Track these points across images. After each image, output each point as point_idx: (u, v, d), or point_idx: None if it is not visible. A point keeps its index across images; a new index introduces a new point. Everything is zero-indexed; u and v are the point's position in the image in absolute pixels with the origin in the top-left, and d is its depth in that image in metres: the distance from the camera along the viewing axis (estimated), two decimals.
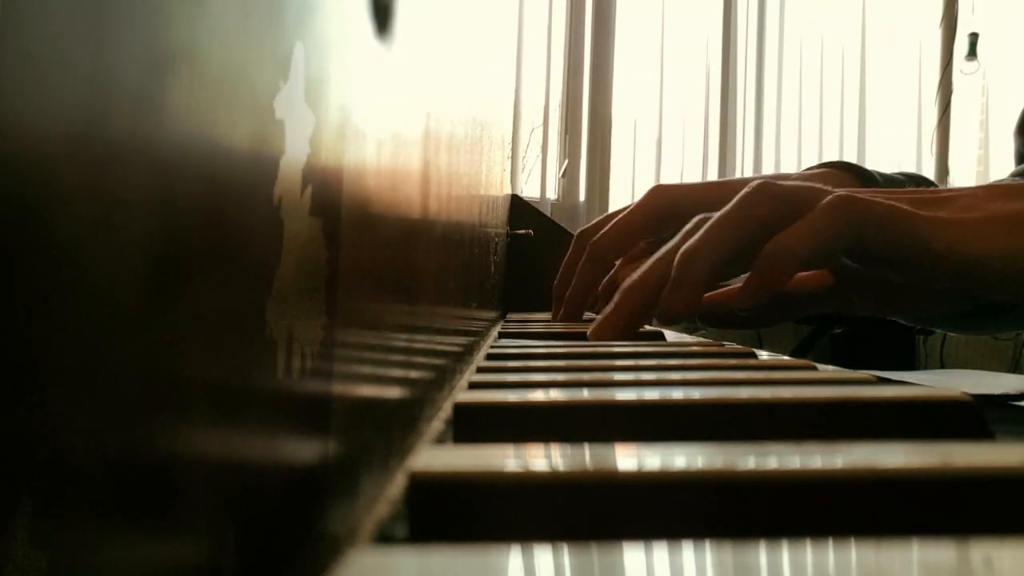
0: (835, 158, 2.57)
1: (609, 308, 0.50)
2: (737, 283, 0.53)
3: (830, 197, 0.46)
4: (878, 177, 0.60)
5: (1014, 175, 0.60)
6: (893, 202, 0.46)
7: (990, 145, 2.54)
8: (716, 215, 0.48)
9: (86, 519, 0.08)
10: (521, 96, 2.36)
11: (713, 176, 2.43)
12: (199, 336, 0.10)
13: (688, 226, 0.50)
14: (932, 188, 0.51)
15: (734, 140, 2.56)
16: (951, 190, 0.49)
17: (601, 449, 0.16)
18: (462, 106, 0.45)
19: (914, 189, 0.51)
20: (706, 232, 0.48)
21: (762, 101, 2.60)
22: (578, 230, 0.81)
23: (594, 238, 0.60)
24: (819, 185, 0.49)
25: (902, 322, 0.64)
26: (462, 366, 0.41)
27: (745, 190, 0.48)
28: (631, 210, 0.59)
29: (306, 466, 0.14)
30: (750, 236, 0.47)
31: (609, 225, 0.60)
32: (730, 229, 0.48)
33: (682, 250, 0.48)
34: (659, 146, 2.47)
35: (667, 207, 0.57)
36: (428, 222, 0.30)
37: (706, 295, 0.55)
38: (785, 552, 0.11)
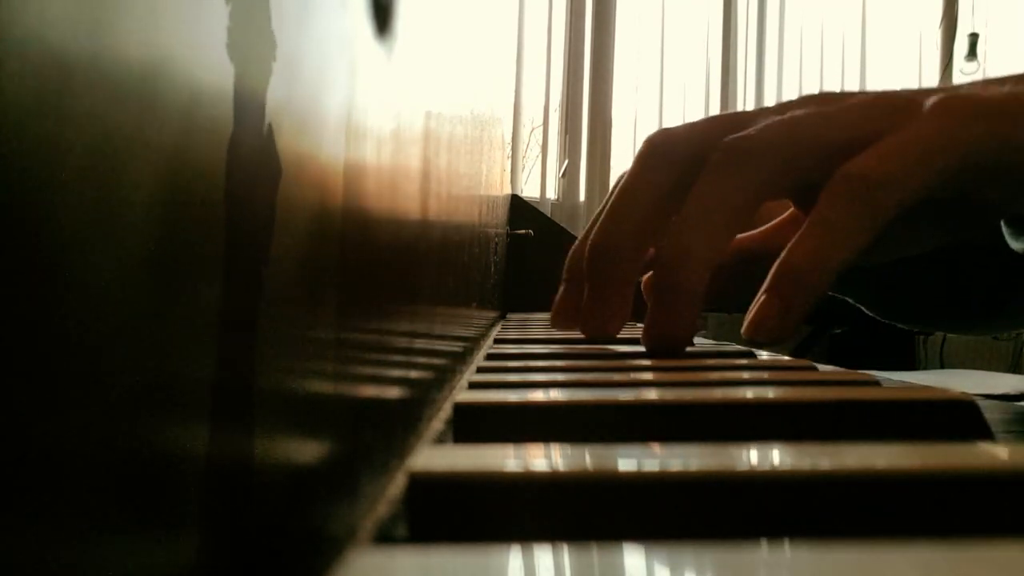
0: None
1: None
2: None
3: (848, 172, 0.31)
4: None
5: None
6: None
7: None
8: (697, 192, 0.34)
9: (85, 519, 0.08)
10: (521, 96, 2.36)
11: None
12: (199, 336, 0.10)
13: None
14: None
15: None
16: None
17: (601, 449, 0.16)
18: (462, 106, 0.45)
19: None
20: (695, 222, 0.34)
21: (762, 102, 2.60)
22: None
23: (591, 237, 0.40)
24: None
25: (902, 326, 0.56)
26: (462, 366, 0.41)
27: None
28: (627, 180, 0.39)
29: (306, 466, 0.14)
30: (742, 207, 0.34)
31: (606, 213, 0.39)
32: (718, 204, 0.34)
33: (593, 241, 0.36)
34: None
35: (677, 155, 0.37)
36: (428, 222, 0.30)
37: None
38: (785, 552, 0.11)
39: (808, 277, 0.32)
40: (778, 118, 0.35)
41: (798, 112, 0.35)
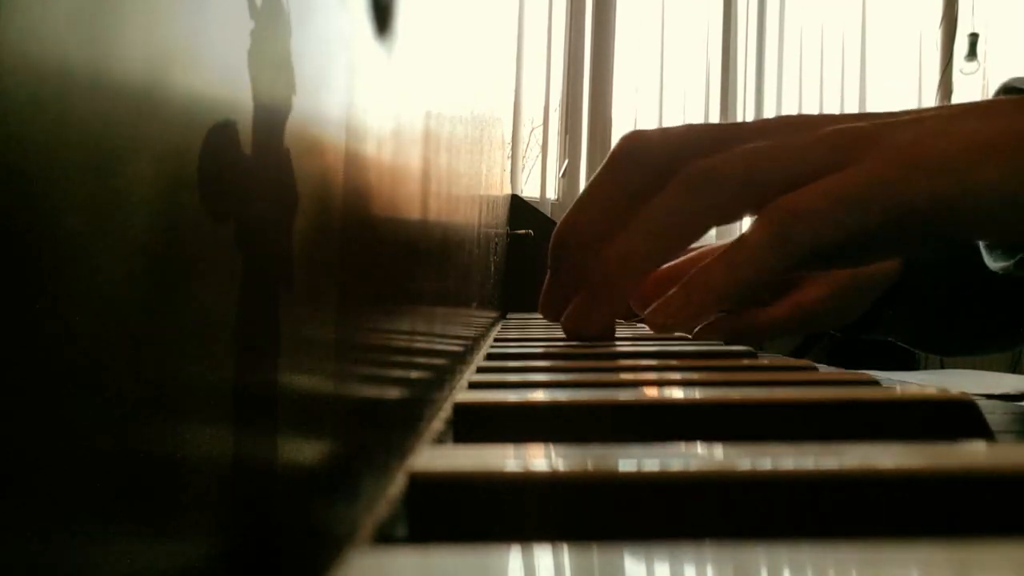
0: None
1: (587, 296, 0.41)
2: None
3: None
4: None
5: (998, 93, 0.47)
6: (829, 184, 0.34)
7: None
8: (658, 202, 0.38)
9: (86, 519, 0.08)
10: (521, 96, 2.36)
11: None
12: (200, 336, 0.10)
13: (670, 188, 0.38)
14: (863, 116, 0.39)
15: None
16: (890, 115, 0.37)
17: (601, 449, 0.16)
18: (462, 106, 0.45)
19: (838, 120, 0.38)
20: (646, 232, 0.38)
21: (762, 101, 2.60)
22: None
23: (558, 225, 0.44)
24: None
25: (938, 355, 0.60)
26: (462, 366, 0.41)
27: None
28: (597, 175, 0.43)
29: (306, 466, 0.14)
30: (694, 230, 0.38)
31: (573, 204, 0.44)
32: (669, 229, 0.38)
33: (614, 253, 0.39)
34: None
35: (647, 160, 0.41)
36: (428, 222, 0.30)
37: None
38: (785, 552, 0.11)
39: (716, 284, 0.36)
40: (741, 148, 0.38)
41: (761, 144, 0.38)
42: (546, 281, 0.45)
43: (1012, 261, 0.40)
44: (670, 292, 0.38)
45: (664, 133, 0.41)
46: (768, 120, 0.41)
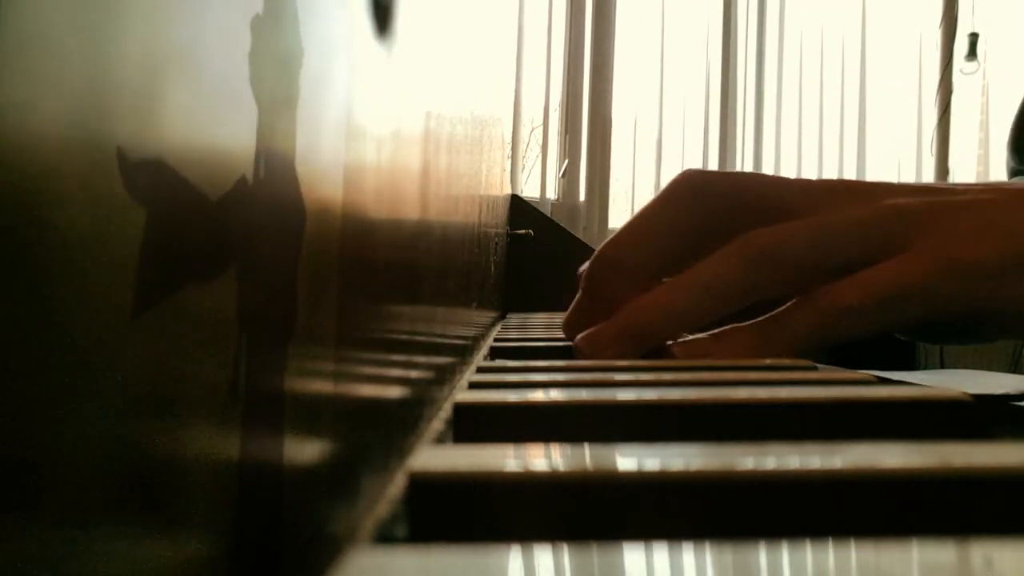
0: (835, 158, 2.59)
1: (607, 323, 0.39)
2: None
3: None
4: None
5: None
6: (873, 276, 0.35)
7: (990, 145, 2.54)
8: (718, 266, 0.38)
9: (86, 519, 0.08)
10: (521, 96, 2.36)
11: None
12: (199, 336, 0.10)
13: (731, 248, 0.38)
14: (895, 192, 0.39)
15: (734, 140, 2.56)
16: (948, 192, 0.37)
17: (601, 449, 0.16)
18: (462, 106, 0.45)
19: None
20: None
21: (762, 101, 2.60)
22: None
23: (599, 248, 0.42)
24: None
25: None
26: (462, 366, 0.41)
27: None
28: (652, 204, 0.41)
29: (307, 466, 0.14)
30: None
31: (621, 228, 0.42)
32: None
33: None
34: (659, 146, 2.47)
35: (708, 204, 0.40)
36: (428, 222, 0.30)
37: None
38: (785, 552, 0.11)
39: (745, 354, 0.37)
40: (800, 225, 0.38)
41: (820, 221, 0.38)
42: (576, 300, 0.43)
43: None
44: (698, 338, 0.39)
45: (728, 179, 0.41)
46: (829, 183, 0.41)
